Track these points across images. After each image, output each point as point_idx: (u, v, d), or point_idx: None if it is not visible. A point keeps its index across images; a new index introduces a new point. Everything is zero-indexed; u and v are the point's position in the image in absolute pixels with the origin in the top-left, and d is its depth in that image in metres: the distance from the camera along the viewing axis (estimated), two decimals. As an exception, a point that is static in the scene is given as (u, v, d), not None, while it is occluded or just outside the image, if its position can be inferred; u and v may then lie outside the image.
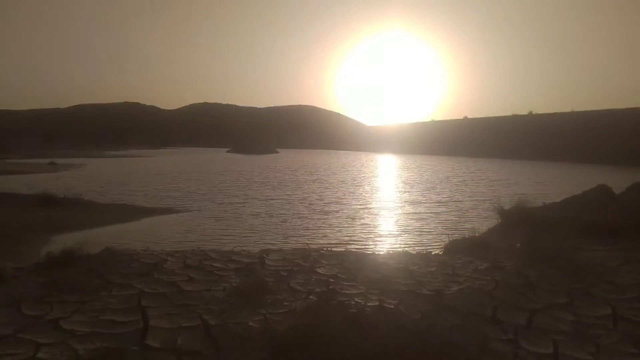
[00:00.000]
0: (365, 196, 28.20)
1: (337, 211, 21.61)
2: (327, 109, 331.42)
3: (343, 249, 9.80)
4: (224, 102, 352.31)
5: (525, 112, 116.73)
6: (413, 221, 19.22)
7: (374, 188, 33.87)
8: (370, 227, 17.88)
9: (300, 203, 24.30)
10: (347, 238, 15.36)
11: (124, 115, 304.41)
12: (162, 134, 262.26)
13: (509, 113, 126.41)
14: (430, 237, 15.74)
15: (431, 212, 21.50)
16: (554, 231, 7.48)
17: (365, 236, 15.91)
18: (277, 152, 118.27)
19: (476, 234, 9.42)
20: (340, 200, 25.55)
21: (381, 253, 8.85)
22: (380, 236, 16.20)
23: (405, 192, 30.69)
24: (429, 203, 24.92)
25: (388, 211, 22.19)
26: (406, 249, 12.46)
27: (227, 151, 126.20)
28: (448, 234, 12.36)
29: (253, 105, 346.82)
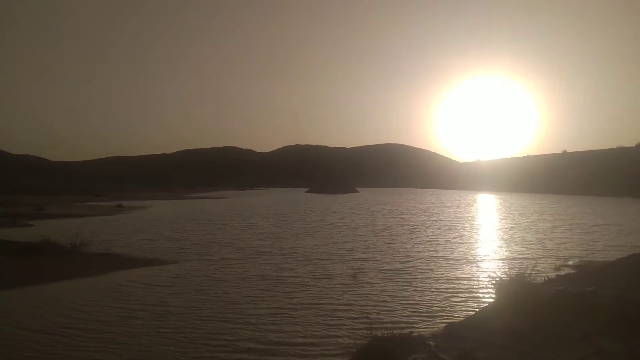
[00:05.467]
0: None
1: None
2: (417, 147, 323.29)
3: None
4: (315, 143, 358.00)
5: (633, 144, 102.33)
6: None
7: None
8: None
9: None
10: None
11: (223, 159, 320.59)
12: (256, 176, 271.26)
13: (613, 145, 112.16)
14: None
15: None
16: None
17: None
18: (357, 192, 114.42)
19: None
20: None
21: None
22: None
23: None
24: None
25: None
26: None
27: (307, 191, 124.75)
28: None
29: (342, 146, 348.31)
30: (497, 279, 7.71)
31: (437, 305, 12.06)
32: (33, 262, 18.87)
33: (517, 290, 6.82)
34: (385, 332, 7.03)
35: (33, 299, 12.79)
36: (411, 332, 7.17)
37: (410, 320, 10.53)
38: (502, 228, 32.47)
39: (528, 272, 7.33)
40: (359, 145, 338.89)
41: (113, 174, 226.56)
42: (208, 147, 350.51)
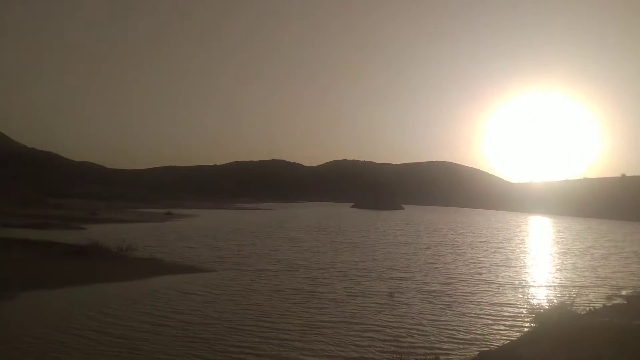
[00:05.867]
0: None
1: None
2: (466, 165, 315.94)
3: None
4: (361, 159, 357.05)
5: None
6: None
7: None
8: None
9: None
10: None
11: (270, 171, 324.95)
12: (302, 189, 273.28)
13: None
14: None
15: None
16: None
17: None
18: (402, 209, 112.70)
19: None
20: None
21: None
22: None
23: None
24: None
25: None
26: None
27: (352, 206, 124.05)
28: None
29: (389, 162, 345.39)
30: (537, 307, 7.12)
31: (475, 331, 11.41)
32: (78, 264, 19.45)
33: (557, 320, 6.25)
34: (413, 358, 6.60)
35: (70, 299, 13.10)
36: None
37: (444, 347, 9.97)
38: (554, 253, 30.86)
39: (571, 301, 6.71)
40: (406, 162, 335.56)
41: (166, 183, 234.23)
42: (257, 159, 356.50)
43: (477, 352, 6.59)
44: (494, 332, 11.35)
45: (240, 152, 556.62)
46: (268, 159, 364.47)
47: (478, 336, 10.96)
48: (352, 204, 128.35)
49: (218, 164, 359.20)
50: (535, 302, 8.66)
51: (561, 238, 44.31)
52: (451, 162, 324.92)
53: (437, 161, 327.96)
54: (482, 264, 23.89)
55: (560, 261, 26.23)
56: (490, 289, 17.10)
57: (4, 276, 15.18)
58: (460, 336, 10.97)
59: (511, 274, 20.86)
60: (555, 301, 7.05)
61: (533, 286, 18.10)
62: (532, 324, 7.66)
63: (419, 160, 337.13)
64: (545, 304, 7.21)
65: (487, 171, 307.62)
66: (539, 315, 6.87)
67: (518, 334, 10.22)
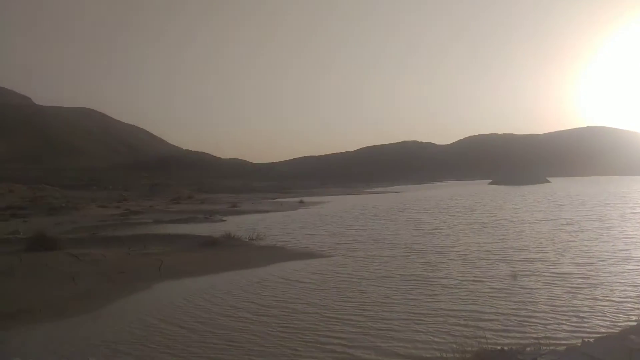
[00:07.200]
0: None
1: None
2: (618, 128, 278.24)
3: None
4: (500, 132, 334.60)
5: None
6: None
7: None
8: None
9: None
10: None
11: (404, 154, 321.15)
12: (437, 169, 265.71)
13: None
14: None
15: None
16: None
17: None
18: (548, 182, 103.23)
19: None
20: None
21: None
22: None
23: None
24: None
25: None
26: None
27: (490, 183, 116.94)
28: None
29: (532, 133, 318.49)
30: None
31: (607, 317, 9.74)
32: (205, 255, 21.04)
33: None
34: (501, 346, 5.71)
35: (184, 290, 14.03)
36: (525, 347, 5.70)
37: (557, 336, 8.64)
38: None
39: None
40: (552, 131, 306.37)
41: (303, 172, 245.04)
42: (388, 142, 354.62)
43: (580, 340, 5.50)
44: (628, 315, 9.58)
45: (371, 138, 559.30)
46: (399, 141, 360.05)
47: (610, 322, 9.33)
48: (490, 180, 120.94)
49: (350, 150, 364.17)
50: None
51: None
52: (604, 126, 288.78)
53: (588, 126, 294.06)
54: (633, 239, 20.61)
55: None
56: (636, 268, 14.61)
57: (139, 269, 16.93)
58: (587, 323, 9.44)
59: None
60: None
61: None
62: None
63: (567, 128, 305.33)
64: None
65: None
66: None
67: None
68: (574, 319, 9.88)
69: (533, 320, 9.98)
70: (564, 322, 9.73)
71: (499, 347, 5.55)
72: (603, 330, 8.97)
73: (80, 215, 45.94)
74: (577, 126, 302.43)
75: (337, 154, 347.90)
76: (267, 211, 50.15)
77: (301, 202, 63.60)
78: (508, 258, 17.44)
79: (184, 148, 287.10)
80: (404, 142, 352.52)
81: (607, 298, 11.37)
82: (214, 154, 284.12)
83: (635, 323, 7.39)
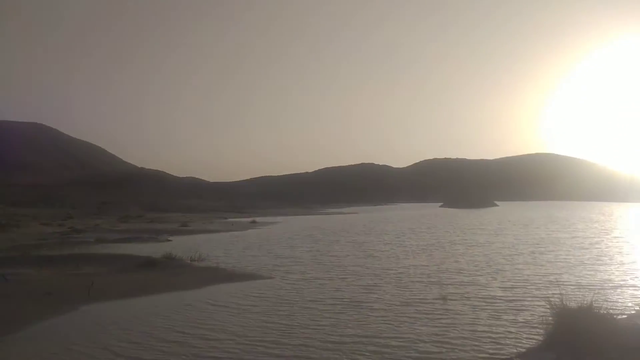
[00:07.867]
0: None
1: None
2: (568, 156, 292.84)
3: None
4: (454, 156, 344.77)
5: None
6: None
7: None
8: None
9: None
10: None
11: (361, 175, 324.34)
12: (393, 191, 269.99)
13: None
14: None
15: None
16: None
17: None
18: (496, 205, 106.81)
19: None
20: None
21: None
22: None
23: None
24: None
25: None
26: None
27: (441, 206, 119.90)
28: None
29: (483, 158, 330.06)
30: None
31: (522, 342, 10.12)
32: (142, 275, 20.46)
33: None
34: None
35: (124, 310, 13.62)
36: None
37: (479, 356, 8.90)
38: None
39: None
40: (501, 157, 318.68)
41: (261, 192, 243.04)
42: (346, 164, 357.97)
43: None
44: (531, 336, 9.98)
45: (331, 159, 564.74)
46: (357, 163, 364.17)
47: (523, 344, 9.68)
48: (441, 203, 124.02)
49: (309, 171, 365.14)
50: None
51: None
52: (552, 154, 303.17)
53: (538, 153, 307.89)
54: (567, 263, 21.56)
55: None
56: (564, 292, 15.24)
57: (68, 290, 16.30)
58: (493, 348, 9.77)
59: (593, 274, 18.54)
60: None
61: (621, 286, 15.86)
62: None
63: (515, 154, 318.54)
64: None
65: (591, 160, 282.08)
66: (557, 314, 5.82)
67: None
68: (490, 341, 10.18)
69: (451, 344, 10.20)
70: (480, 345, 10.00)
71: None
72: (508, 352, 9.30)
73: (20, 233, 43.87)
74: (526, 152, 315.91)
75: (296, 174, 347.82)
76: (216, 231, 49.48)
77: (253, 222, 63.12)
78: (442, 281, 17.82)
79: (139, 166, 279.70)
80: (362, 164, 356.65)
81: (529, 322, 11.70)
82: (171, 172, 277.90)
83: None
